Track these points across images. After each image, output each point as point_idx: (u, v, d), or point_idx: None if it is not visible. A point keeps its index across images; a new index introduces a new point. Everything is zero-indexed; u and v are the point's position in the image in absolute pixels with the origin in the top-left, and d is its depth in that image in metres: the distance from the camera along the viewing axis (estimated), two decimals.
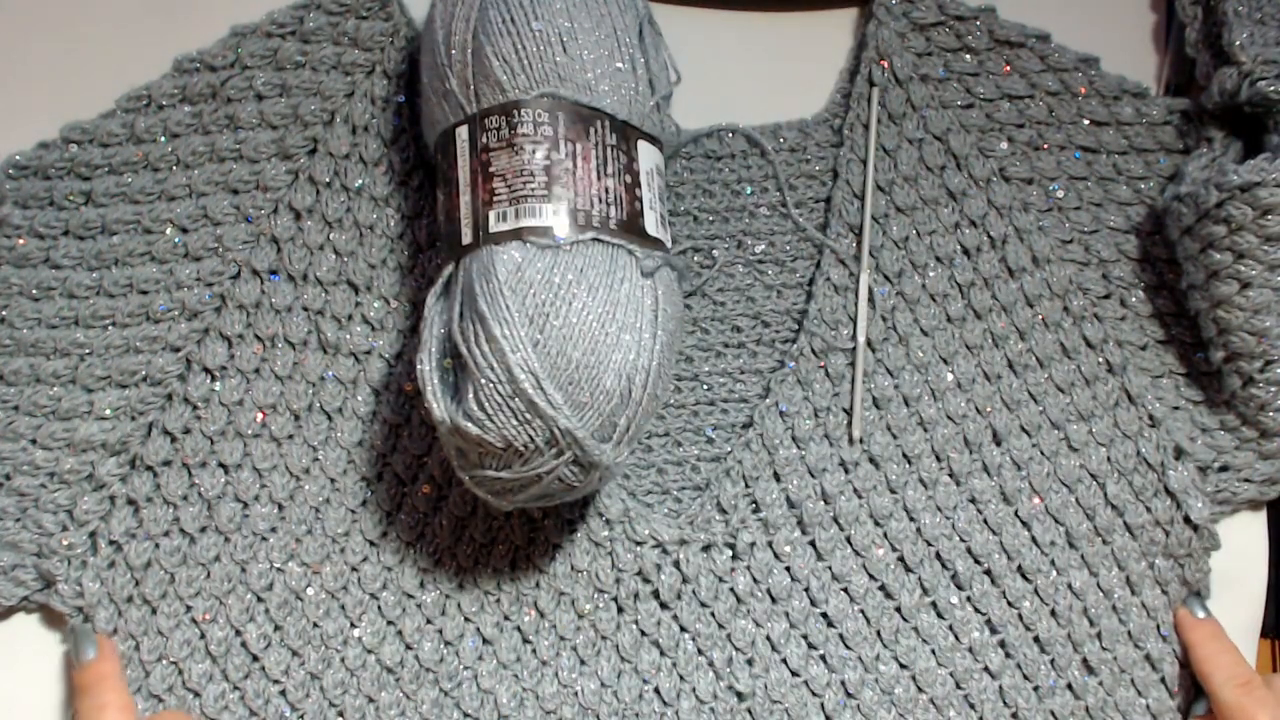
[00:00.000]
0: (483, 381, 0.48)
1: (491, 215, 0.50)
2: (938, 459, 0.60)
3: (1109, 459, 0.60)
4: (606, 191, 0.51)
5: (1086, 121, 0.63)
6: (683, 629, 0.58)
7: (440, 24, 0.53)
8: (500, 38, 0.51)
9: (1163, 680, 0.59)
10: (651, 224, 0.53)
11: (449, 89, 0.52)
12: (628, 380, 0.49)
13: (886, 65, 0.63)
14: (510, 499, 0.52)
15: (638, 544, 0.59)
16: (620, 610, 0.58)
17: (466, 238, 0.51)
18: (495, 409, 0.48)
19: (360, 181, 0.61)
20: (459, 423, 0.49)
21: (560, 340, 0.48)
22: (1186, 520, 0.59)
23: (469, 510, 0.59)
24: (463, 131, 0.52)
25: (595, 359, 0.49)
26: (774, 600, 0.58)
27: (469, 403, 0.49)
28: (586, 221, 0.50)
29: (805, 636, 0.58)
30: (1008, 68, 0.63)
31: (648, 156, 0.54)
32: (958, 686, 0.58)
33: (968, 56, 0.63)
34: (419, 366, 0.51)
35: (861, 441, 0.60)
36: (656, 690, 0.58)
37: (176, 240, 0.60)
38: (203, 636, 0.57)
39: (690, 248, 0.63)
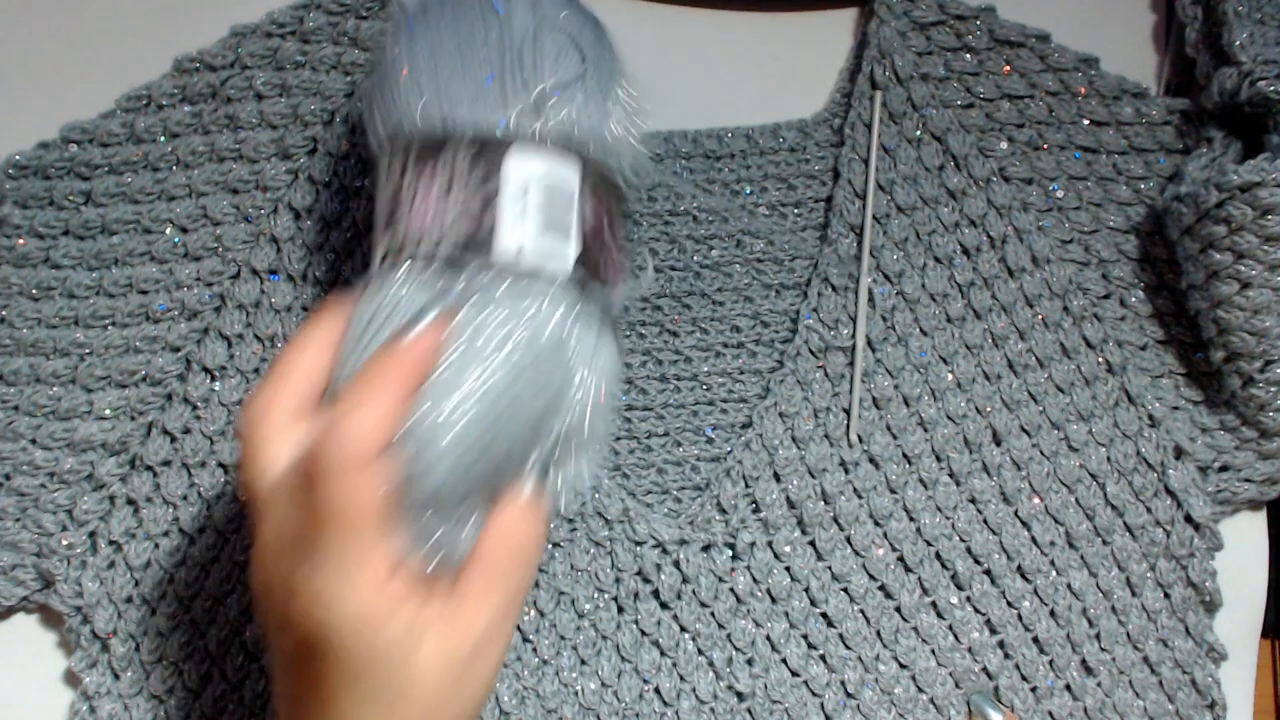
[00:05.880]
0: None
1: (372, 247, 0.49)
2: (938, 459, 0.60)
3: (1109, 459, 0.60)
4: (445, 216, 0.47)
5: (1086, 121, 0.63)
6: (683, 629, 0.58)
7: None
8: (377, 86, 0.49)
9: (1161, 683, 0.58)
10: (510, 240, 0.47)
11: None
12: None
13: (888, 64, 0.63)
14: None
15: (638, 544, 0.59)
16: (620, 610, 0.58)
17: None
18: None
19: (360, 181, 0.61)
20: None
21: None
22: (1188, 519, 0.59)
23: None
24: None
25: None
26: (774, 600, 0.58)
27: None
28: (415, 249, 0.46)
29: (805, 636, 0.58)
30: (1008, 67, 0.63)
31: (522, 171, 0.48)
32: (957, 686, 0.58)
33: (968, 56, 0.63)
34: None
35: (861, 441, 0.60)
36: (657, 690, 0.58)
37: (176, 240, 0.60)
38: (202, 636, 0.57)
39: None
